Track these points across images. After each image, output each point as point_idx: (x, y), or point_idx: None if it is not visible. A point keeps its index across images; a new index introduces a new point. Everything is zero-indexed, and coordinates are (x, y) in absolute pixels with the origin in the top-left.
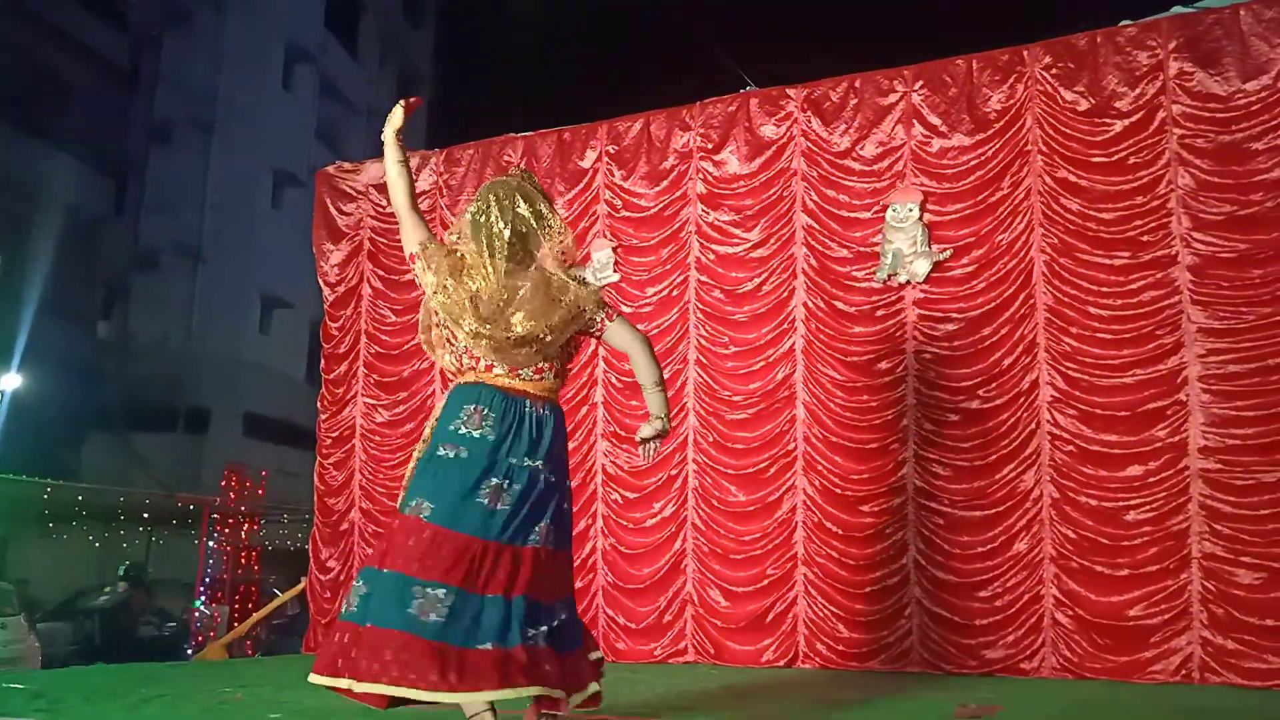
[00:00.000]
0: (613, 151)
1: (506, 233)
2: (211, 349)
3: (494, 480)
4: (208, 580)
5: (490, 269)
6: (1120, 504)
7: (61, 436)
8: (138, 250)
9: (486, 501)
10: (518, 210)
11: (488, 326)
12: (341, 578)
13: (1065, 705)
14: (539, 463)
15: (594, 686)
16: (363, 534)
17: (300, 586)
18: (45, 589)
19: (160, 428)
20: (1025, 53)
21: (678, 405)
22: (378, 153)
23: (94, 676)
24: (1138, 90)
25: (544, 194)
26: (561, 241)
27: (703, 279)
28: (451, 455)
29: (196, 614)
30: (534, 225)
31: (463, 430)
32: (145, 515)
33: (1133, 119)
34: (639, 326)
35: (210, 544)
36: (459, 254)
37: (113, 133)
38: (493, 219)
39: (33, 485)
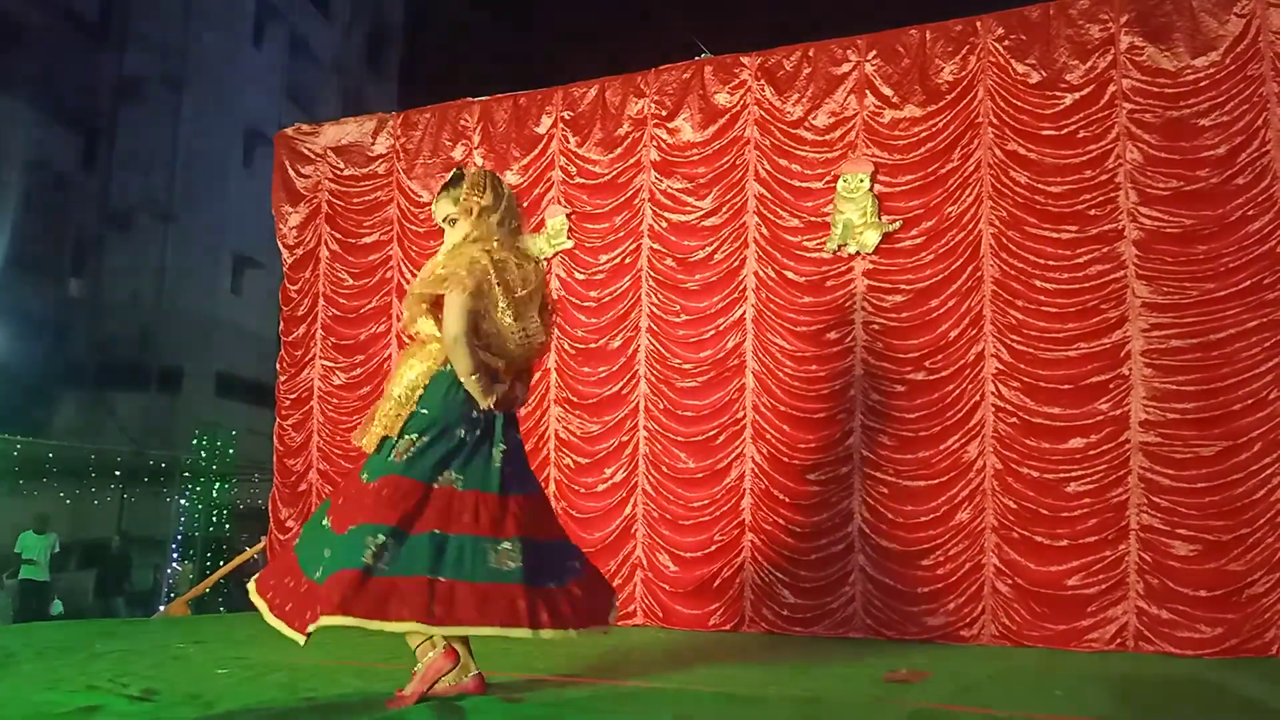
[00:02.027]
0: (568, 118)
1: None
2: (183, 308)
3: None
4: (180, 537)
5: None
6: (1061, 476)
7: (33, 394)
8: (108, 208)
9: None
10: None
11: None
12: None
13: (994, 671)
14: None
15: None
16: (320, 494)
17: (260, 545)
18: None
19: (133, 386)
20: (978, 23)
21: (630, 372)
22: (349, 111)
23: (51, 632)
24: (1088, 64)
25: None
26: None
27: (655, 247)
28: None
29: (169, 570)
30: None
31: None
32: (117, 473)
33: (1083, 93)
34: (591, 293)
35: (183, 502)
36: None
37: (80, 88)
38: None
39: (2, 441)
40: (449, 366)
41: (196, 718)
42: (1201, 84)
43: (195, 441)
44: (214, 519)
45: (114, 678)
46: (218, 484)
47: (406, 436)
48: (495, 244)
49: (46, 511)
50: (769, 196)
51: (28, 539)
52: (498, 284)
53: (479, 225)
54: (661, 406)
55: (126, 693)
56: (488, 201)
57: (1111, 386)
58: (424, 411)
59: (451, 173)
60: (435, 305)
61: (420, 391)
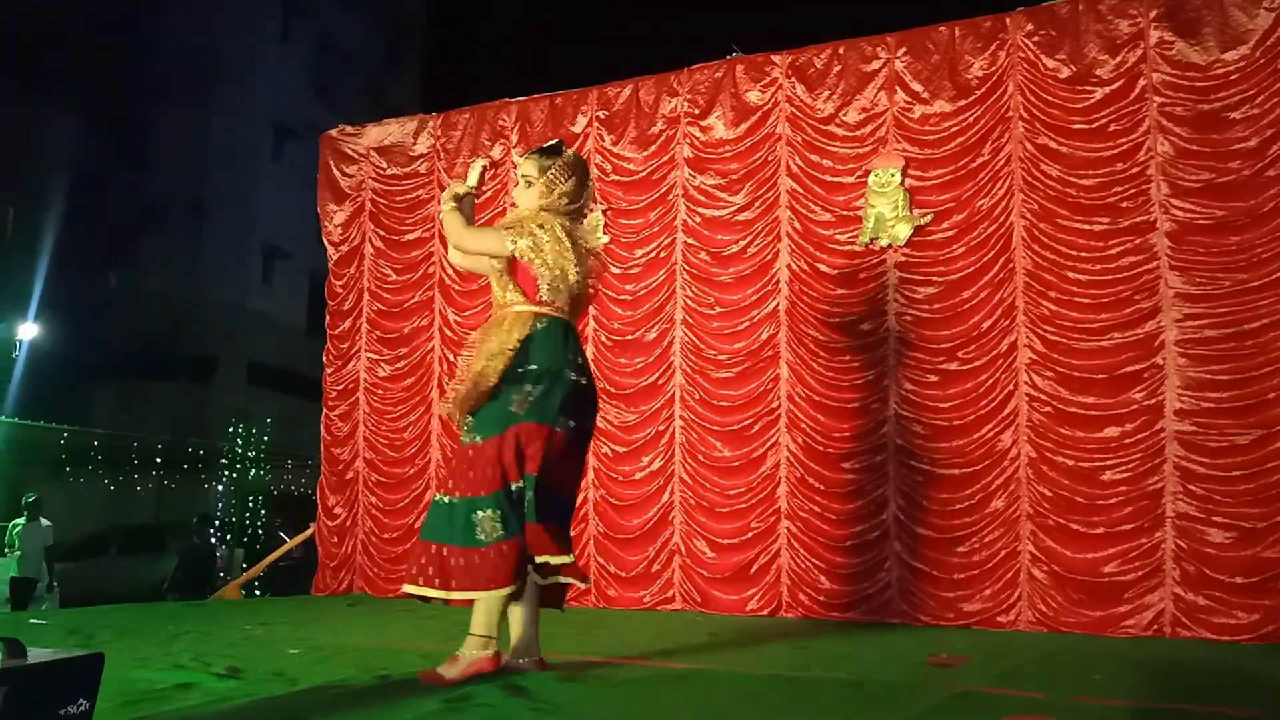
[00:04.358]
0: (603, 117)
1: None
2: (216, 299)
3: None
4: (218, 523)
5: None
6: (1097, 464)
7: (75, 384)
8: (142, 203)
9: None
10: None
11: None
12: (348, 524)
13: (1034, 656)
14: None
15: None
16: (366, 482)
17: (309, 531)
18: (61, 532)
19: (168, 375)
20: (1008, 20)
21: (665, 363)
22: (373, 105)
23: (119, 615)
24: (1118, 58)
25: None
26: None
27: (689, 241)
28: None
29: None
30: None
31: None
32: (157, 460)
33: (1113, 86)
34: (627, 287)
35: (219, 488)
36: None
37: (113, 87)
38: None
39: (49, 430)
40: (545, 323)
41: (286, 693)
42: (1231, 77)
43: (230, 429)
44: (250, 504)
45: (196, 656)
46: (253, 471)
47: (524, 388)
48: (562, 216)
49: (39, 496)
50: (801, 191)
51: (15, 529)
52: (567, 239)
53: (551, 199)
54: (697, 396)
55: (213, 671)
56: (569, 188)
57: (1146, 376)
58: (533, 367)
59: (553, 141)
60: (513, 272)
61: (515, 348)
